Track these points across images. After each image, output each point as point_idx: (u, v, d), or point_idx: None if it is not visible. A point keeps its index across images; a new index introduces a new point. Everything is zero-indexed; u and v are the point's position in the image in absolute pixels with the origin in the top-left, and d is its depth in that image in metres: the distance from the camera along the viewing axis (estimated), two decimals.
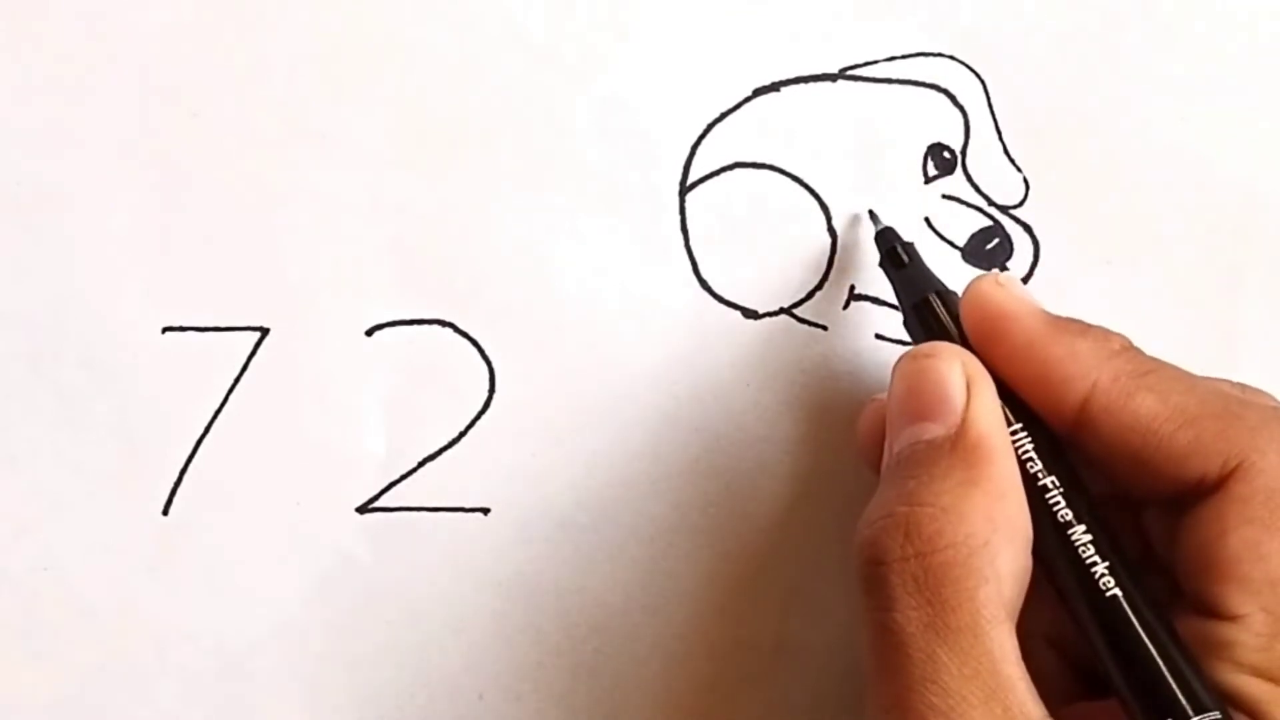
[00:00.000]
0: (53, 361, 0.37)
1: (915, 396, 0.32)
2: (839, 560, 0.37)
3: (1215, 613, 0.30)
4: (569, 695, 0.36)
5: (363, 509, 0.37)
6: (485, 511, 0.37)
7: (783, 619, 0.37)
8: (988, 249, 0.38)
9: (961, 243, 0.38)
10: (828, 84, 0.38)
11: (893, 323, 0.37)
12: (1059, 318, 0.32)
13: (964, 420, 0.31)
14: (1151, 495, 0.32)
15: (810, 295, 0.37)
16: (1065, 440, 0.32)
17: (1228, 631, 0.30)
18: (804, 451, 0.37)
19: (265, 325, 0.37)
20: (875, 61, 0.38)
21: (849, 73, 0.38)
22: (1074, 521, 0.31)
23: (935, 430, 0.31)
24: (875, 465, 0.33)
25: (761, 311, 0.37)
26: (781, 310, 0.37)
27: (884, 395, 0.33)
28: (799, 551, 0.37)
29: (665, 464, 0.37)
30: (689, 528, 0.37)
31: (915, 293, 0.35)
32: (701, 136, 0.38)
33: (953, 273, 0.37)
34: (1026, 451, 0.31)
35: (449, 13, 0.38)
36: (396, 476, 0.37)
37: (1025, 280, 0.38)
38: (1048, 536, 0.31)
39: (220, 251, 0.37)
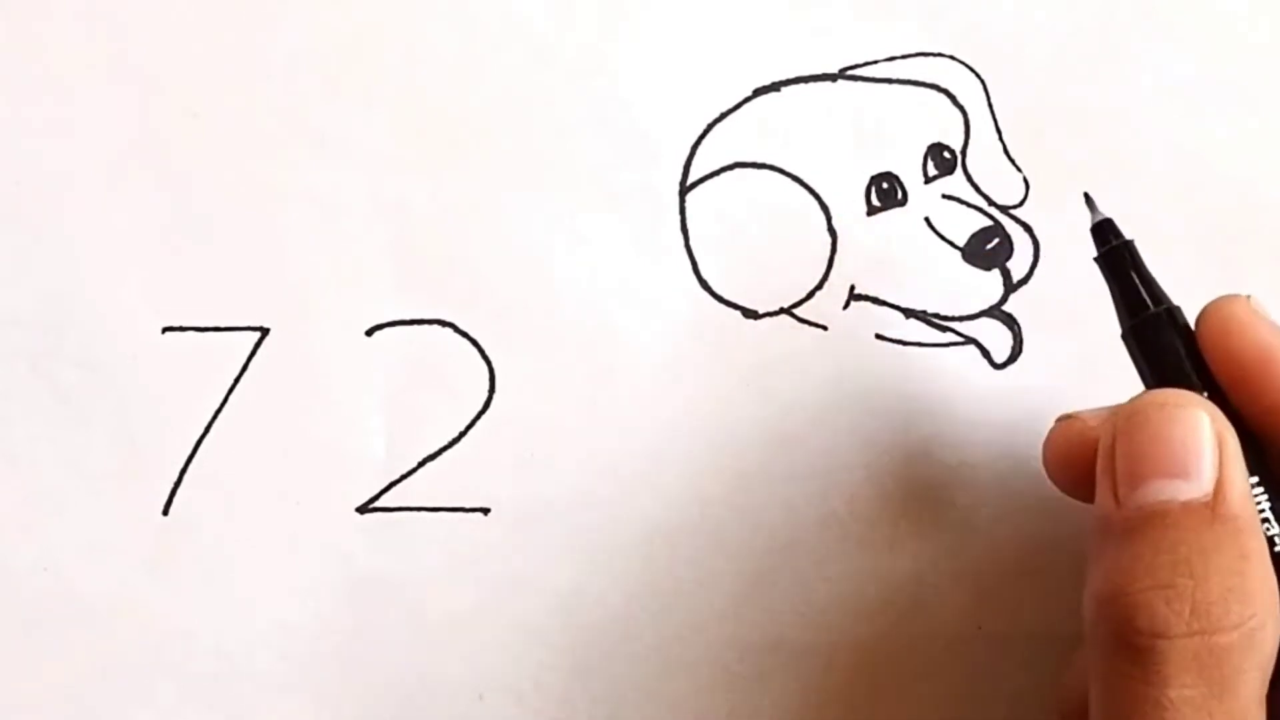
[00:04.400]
0: (53, 361, 0.37)
1: (1163, 448, 0.30)
2: (840, 560, 0.37)
3: None
4: (569, 695, 0.36)
5: (363, 509, 0.37)
6: (485, 511, 0.37)
7: (783, 619, 0.37)
8: (988, 249, 0.38)
9: (961, 243, 0.38)
10: (828, 84, 0.38)
11: (893, 323, 0.37)
12: None
13: (1221, 486, 0.29)
14: None
15: (810, 295, 0.37)
16: None
17: None
18: (804, 451, 0.37)
19: (265, 325, 0.37)
20: (875, 61, 0.38)
21: (849, 73, 0.38)
22: None
23: (1188, 491, 0.29)
24: (1068, 487, 0.32)
25: (761, 311, 0.37)
26: (781, 310, 0.37)
27: (1079, 416, 0.32)
28: (799, 551, 0.37)
29: (665, 464, 0.37)
30: (689, 528, 0.37)
31: (1141, 305, 0.32)
32: (701, 136, 0.38)
33: (953, 273, 0.37)
34: (1264, 510, 0.30)
35: (449, 12, 0.38)
36: (396, 476, 0.37)
37: (1025, 280, 0.38)
38: None
39: (220, 251, 0.37)
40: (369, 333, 0.37)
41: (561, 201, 0.37)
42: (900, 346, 0.37)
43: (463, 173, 0.37)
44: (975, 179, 0.38)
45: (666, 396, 0.37)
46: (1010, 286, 0.38)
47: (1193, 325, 0.32)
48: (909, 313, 0.37)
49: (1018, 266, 0.38)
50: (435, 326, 0.37)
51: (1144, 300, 0.32)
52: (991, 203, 0.38)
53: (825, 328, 0.37)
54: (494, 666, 0.36)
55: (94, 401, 0.36)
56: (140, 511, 0.36)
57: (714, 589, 0.37)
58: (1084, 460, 0.32)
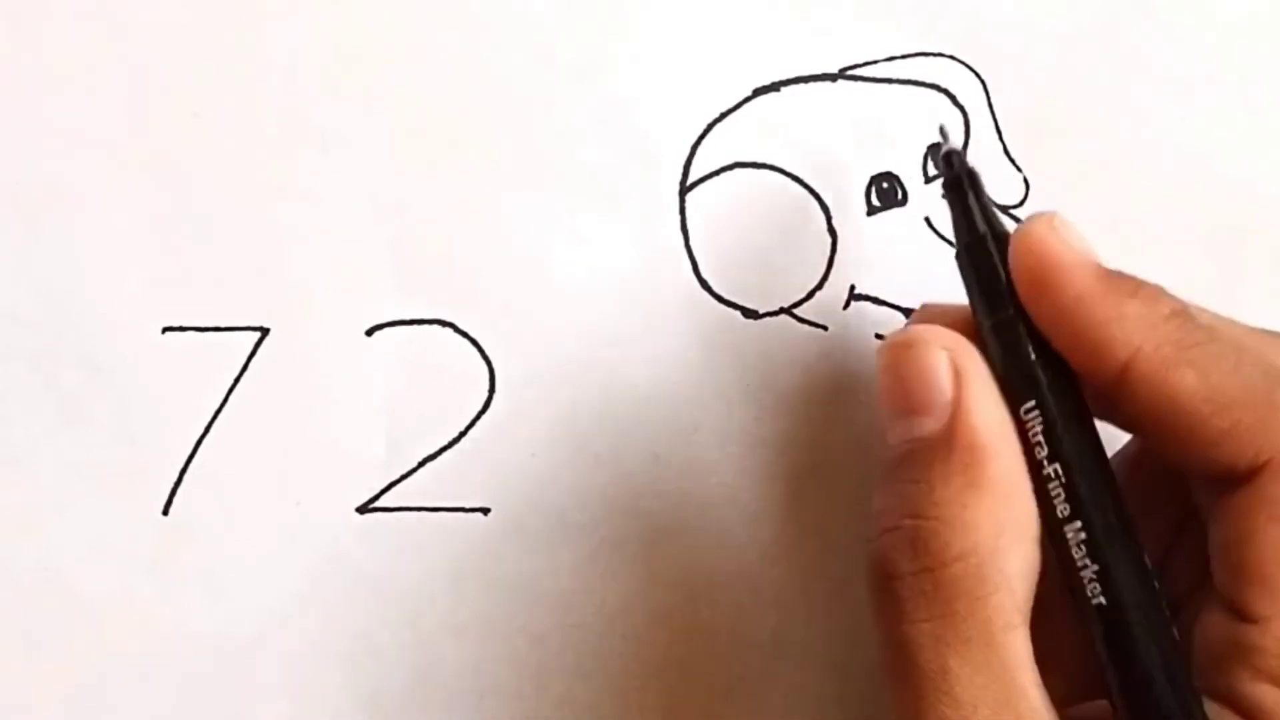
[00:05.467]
0: (53, 361, 0.37)
1: (901, 388, 0.31)
2: (839, 559, 0.37)
3: (1239, 613, 0.29)
4: (569, 695, 0.36)
5: (363, 509, 0.37)
6: (485, 511, 0.37)
7: (783, 618, 0.37)
8: None
9: None
10: (828, 84, 0.38)
11: (893, 323, 0.37)
12: (1112, 273, 0.31)
13: (956, 416, 0.30)
14: (1188, 473, 0.31)
15: (810, 295, 0.37)
16: (1106, 405, 0.31)
17: (1249, 635, 0.29)
18: (804, 451, 0.37)
19: (265, 325, 0.37)
20: (875, 61, 0.38)
21: (849, 73, 0.38)
22: (1071, 517, 0.30)
23: (927, 425, 0.30)
24: None
25: (761, 311, 0.37)
26: (781, 310, 0.37)
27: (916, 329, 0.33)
28: (799, 551, 0.37)
29: (665, 464, 0.37)
30: (689, 528, 0.37)
31: (968, 230, 0.33)
32: (701, 136, 0.38)
33: (953, 273, 0.37)
34: (1035, 434, 0.30)
35: (449, 12, 0.38)
36: (396, 476, 0.37)
37: None
38: (1048, 529, 0.30)
39: (220, 251, 0.37)
40: (369, 333, 0.37)
41: (561, 201, 0.37)
42: None
43: (463, 173, 0.37)
44: None
45: (666, 396, 0.37)
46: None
47: None
48: (909, 313, 0.37)
49: None
50: (435, 326, 0.37)
51: (976, 224, 0.32)
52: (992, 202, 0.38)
53: (825, 328, 0.37)
54: (494, 667, 0.36)
55: (94, 401, 0.36)
56: (140, 511, 0.36)
57: (713, 589, 0.37)
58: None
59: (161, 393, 0.37)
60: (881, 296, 0.37)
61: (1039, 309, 0.31)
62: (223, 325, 0.37)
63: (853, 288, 0.37)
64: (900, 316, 0.37)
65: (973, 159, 0.38)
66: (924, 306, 0.34)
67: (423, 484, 0.37)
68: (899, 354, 0.31)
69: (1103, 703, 0.30)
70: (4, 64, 0.37)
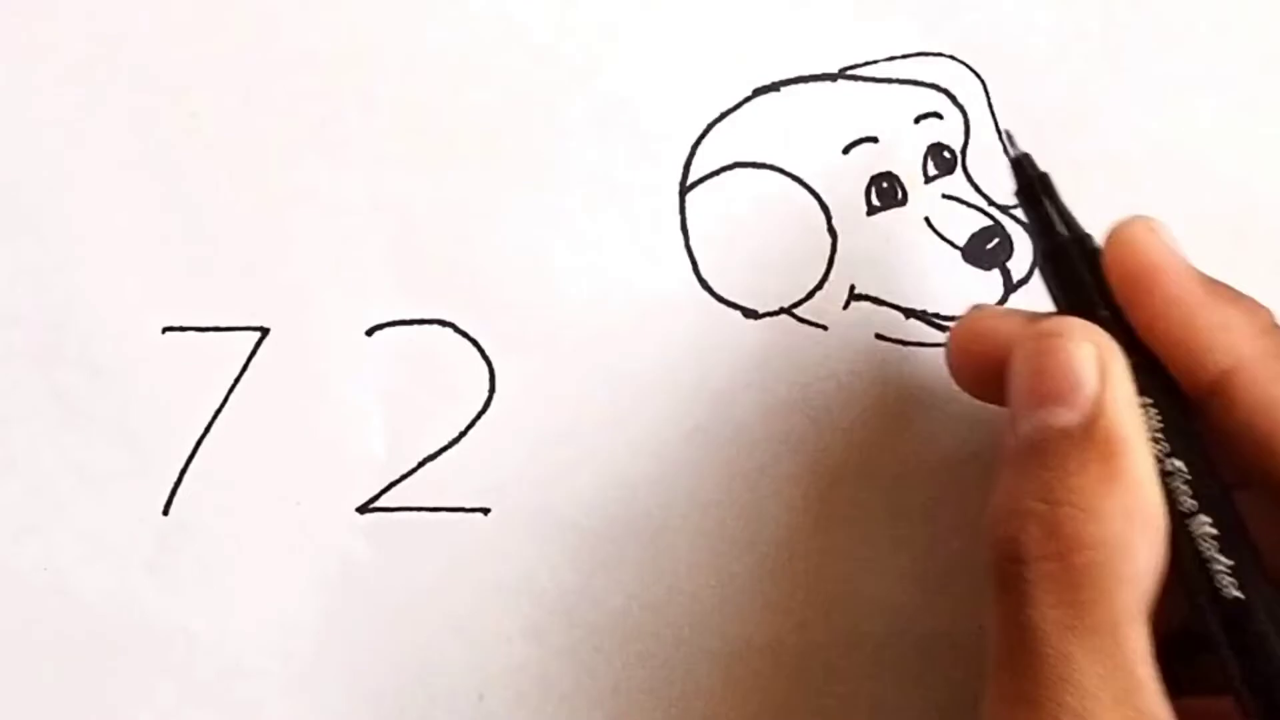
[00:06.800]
0: (53, 361, 0.37)
1: (1044, 378, 0.30)
2: (841, 559, 0.37)
3: None
4: (569, 695, 0.36)
5: (363, 509, 0.37)
6: (485, 511, 0.37)
7: (783, 618, 0.37)
8: (988, 249, 0.38)
9: (961, 243, 0.38)
10: (828, 84, 0.38)
11: (893, 323, 0.37)
12: (1210, 279, 0.31)
13: (1098, 409, 0.30)
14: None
15: (810, 295, 0.37)
16: (1196, 412, 0.31)
17: None
18: (804, 451, 0.37)
19: (265, 325, 0.37)
20: (875, 61, 0.38)
21: (849, 73, 0.38)
22: (1197, 511, 0.30)
23: (1067, 416, 0.30)
24: (967, 383, 0.33)
25: (761, 311, 0.37)
26: (781, 310, 0.37)
27: (985, 311, 0.33)
28: (799, 552, 0.37)
29: (665, 464, 0.37)
30: (689, 528, 0.37)
31: (1052, 236, 0.33)
32: (701, 136, 0.38)
33: (953, 273, 0.37)
34: (1155, 430, 0.30)
35: (449, 13, 0.38)
36: (396, 476, 0.37)
37: (1025, 280, 0.38)
38: (1171, 525, 0.30)
39: (220, 251, 0.37)
40: (369, 333, 0.37)
41: (561, 201, 0.37)
42: (900, 346, 0.37)
43: (463, 173, 0.37)
44: (975, 179, 0.38)
45: (666, 396, 0.37)
46: (1010, 286, 0.38)
47: None
48: (909, 313, 0.37)
49: (1018, 266, 0.38)
50: (435, 326, 0.37)
51: (1055, 228, 0.33)
52: (991, 203, 0.38)
53: (825, 328, 0.37)
54: (494, 666, 0.36)
55: (94, 402, 0.36)
56: (140, 511, 0.36)
57: (714, 589, 0.37)
58: (983, 357, 0.32)
59: (161, 393, 0.37)
60: (881, 296, 0.37)
61: (1138, 311, 0.31)
62: (223, 325, 0.37)
63: (853, 288, 0.37)
64: (900, 316, 0.37)
65: (973, 159, 0.38)
66: (978, 308, 0.34)
67: (423, 484, 0.37)
68: (1048, 344, 0.31)
69: (1213, 700, 0.30)
70: (4, 64, 0.37)
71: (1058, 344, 0.30)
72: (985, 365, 0.32)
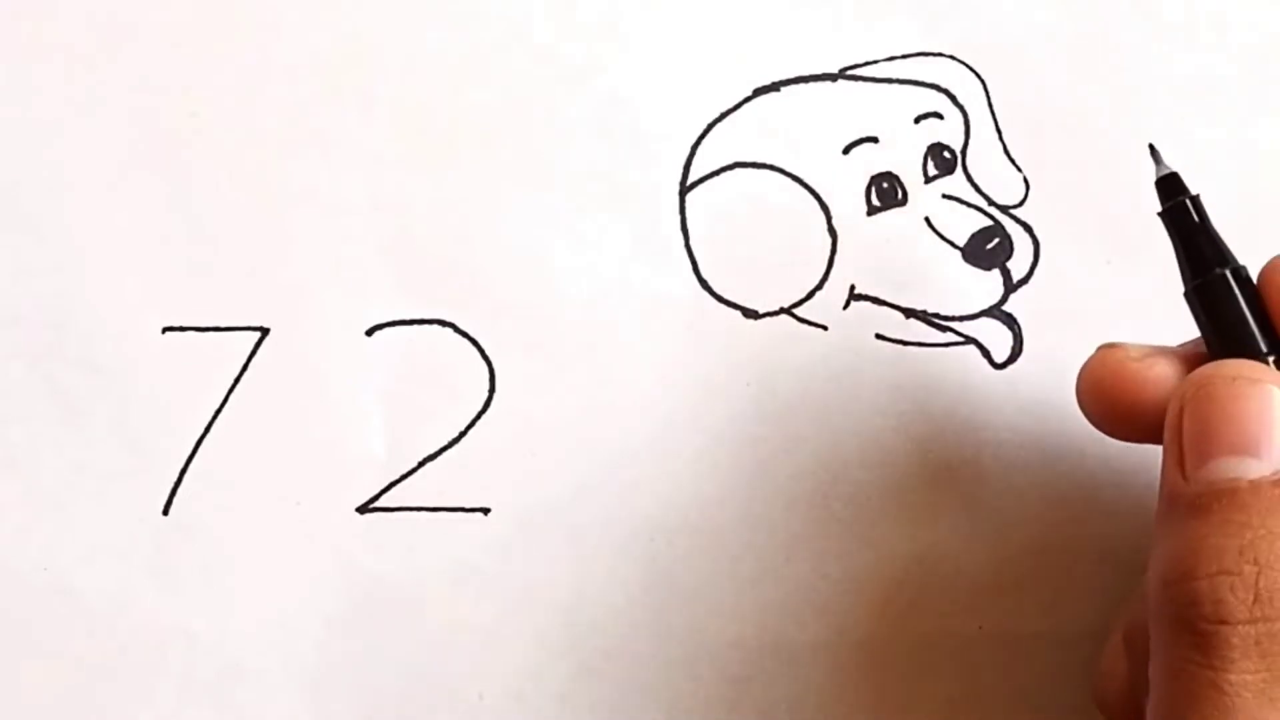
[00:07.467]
0: (53, 361, 0.37)
1: (1232, 424, 0.29)
2: (840, 559, 0.37)
3: None
4: (569, 695, 0.36)
5: (363, 509, 0.37)
6: (485, 511, 0.37)
7: (783, 619, 0.37)
8: (988, 249, 0.38)
9: (961, 243, 0.38)
10: (828, 84, 0.38)
11: (893, 323, 0.37)
12: None
13: None
14: None
15: (810, 295, 0.37)
16: None
17: None
18: (804, 451, 0.37)
19: (265, 325, 0.37)
20: (875, 61, 0.38)
21: (849, 73, 0.38)
22: None
23: (1257, 469, 0.29)
24: (1099, 419, 0.32)
25: (761, 311, 0.37)
26: (781, 310, 0.37)
27: (1122, 345, 0.31)
28: (799, 551, 0.37)
29: (665, 464, 0.37)
30: (689, 528, 0.37)
31: (1205, 264, 0.31)
32: (701, 136, 0.38)
33: (953, 273, 0.37)
34: None
35: (449, 12, 0.38)
36: (396, 476, 0.37)
37: (1025, 280, 0.38)
38: None
39: (220, 251, 0.37)
40: (369, 333, 0.37)
41: (561, 201, 0.37)
42: (900, 346, 0.37)
43: (463, 173, 0.37)
44: (975, 179, 0.38)
45: (666, 396, 0.37)
46: (1010, 286, 0.38)
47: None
48: (909, 313, 0.37)
49: (1018, 266, 0.38)
50: (435, 326, 0.37)
51: (1206, 259, 0.31)
52: (991, 203, 0.38)
53: (825, 328, 0.37)
54: (494, 666, 0.36)
55: (94, 401, 0.36)
56: (140, 511, 0.36)
57: (714, 589, 0.37)
58: (1119, 390, 0.31)
59: (161, 393, 0.37)
60: (881, 296, 0.37)
61: None
62: (223, 325, 0.37)
63: (853, 288, 0.37)
64: (900, 316, 0.37)
65: (973, 159, 0.38)
66: (1111, 345, 0.32)
67: (423, 484, 0.37)
68: (1232, 389, 0.29)
69: None
70: (4, 64, 0.37)
71: (1243, 388, 0.29)
72: (1123, 405, 0.31)
